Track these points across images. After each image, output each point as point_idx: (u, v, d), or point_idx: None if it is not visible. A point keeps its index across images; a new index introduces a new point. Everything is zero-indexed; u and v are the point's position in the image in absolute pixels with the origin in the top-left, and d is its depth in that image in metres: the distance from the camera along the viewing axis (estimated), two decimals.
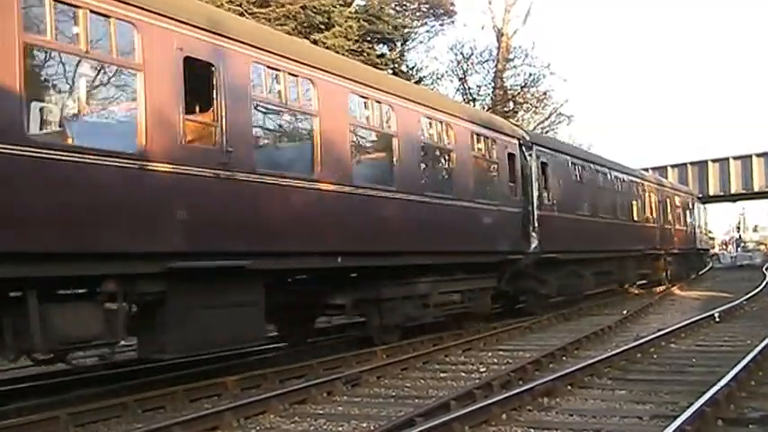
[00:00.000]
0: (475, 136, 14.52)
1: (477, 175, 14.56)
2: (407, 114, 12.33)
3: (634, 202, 25.05)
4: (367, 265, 11.43)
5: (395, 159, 11.97)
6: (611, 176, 22.84)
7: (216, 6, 18.97)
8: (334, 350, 11.99)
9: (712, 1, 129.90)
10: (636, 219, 25.02)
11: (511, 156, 15.93)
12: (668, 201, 30.13)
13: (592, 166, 21.22)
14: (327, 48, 21.94)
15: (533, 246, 16.41)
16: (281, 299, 10.76)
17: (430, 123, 13.14)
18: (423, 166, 12.99)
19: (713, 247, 66.09)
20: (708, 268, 44.06)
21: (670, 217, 30.05)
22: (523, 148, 16.62)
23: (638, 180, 26.12)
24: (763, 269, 39.62)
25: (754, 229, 71.53)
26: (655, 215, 27.64)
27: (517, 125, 20.20)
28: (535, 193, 16.70)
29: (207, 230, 8.31)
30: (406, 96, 12.50)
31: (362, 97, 11.39)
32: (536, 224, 16.51)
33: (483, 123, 15.19)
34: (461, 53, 36.24)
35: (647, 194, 26.76)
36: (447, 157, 13.99)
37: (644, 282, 27.38)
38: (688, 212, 34.41)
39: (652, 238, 26.76)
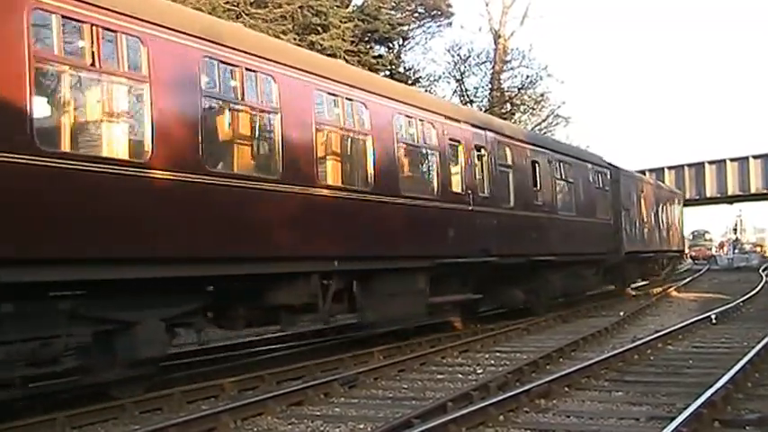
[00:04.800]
0: None
1: None
2: None
3: (433, 165, 13.23)
4: None
5: None
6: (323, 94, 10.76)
7: (213, 8, 19.07)
8: (331, 351, 11.97)
9: (711, 4, 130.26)
10: (420, 194, 12.63)
11: None
12: (536, 168, 17.00)
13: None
14: (324, 49, 21.98)
15: None
16: None
17: None
18: None
19: (709, 249, 66.15)
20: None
21: (543, 198, 17.13)
22: None
23: (440, 117, 13.36)
24: (760, 271, 39.64)
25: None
26: (489, 188, 14.67)
27: None
28: None
29: None
30: None
31: None
32: None
33: None
34: (458, 55, 36.31)
35: (488, 154, 14.71)
36: None
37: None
38: (603, 196, 21.48)
39: (477, 236, 13.90)
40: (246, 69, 9.31)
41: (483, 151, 14.63)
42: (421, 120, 12.85)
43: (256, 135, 10.05)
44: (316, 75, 10.44)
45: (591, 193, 20.39)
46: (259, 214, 9.35)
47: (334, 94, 10.83)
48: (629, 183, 24.65)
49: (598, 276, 21.69)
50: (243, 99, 9.40)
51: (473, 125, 14.49)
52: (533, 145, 17.27)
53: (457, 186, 13.69)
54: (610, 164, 23.04)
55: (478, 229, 13.97)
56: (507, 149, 15.71)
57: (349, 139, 11.41)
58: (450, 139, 13.57)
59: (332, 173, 11.02)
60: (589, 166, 20.79)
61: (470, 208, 13.80)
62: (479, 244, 13.90)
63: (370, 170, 11.39)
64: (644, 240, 25.81)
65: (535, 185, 16.86)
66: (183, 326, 9.33)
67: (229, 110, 9.45)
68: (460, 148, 13.87)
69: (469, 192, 13.85)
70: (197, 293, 9.13)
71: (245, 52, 9.32)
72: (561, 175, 18.44)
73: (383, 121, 11.78)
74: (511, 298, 16.90)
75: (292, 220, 9.82)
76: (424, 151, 13.25)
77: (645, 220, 26.27)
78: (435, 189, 13.07)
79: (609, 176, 21.94)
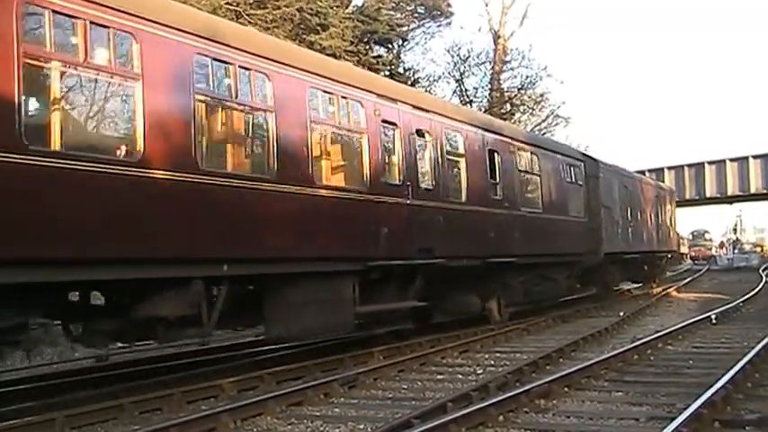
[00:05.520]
0: None
1: None
2: None
3: (361, 150, 11.26)
4: None
5: None
6: None
7: (214, 8, 19.09)
8: (331, 351, 11.96)
9: (711, 4, 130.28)
10: (341, 184, 11.20)
11: None
12: (495, 158, 14.90)
13: None
14: (324, 49, 22.01)
15: None
16: None
17: None
18: None
19: (709, 249, 66.13)
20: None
21: (502, 192, 15.04)
22: None
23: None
24: (760, 271, 39.65)
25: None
26: (434, 179, 12.76)
27: None
28: None
29: None
30: None
31: None
32: None
33: None
34: (458, 55, 36.35)
35: (433, 140, 12.86)
36: None
37: None
38: (577, 191, 19.38)
39: (418, 234, 12.03)
40: (92, 23, 7.34)
41: (427, 137, 12.69)
42: (344, 97, 10.86)
43: (106, 107, 8.16)
44: (197, 36, 8.49)
45: (562, 188, 18.29)
46: (114, 207, 7.43)
47: (223, 61, 8.89)
48: (611, 177, 22.60)
49: (572, 280, 19.64)
50: (87, 61, 7.35)
51: (414, 106, 12.51)
52: (491, 132, 15.05)
53: (392, 176, 11.77)
54: (587, 156, 21.44)
55: (419, 226, 11.97)
56: (458, 136, 13.72)
57: (244, 117, 9.56)
58: (385, 122, 11.62)
59: (219, 156, 9.21)
60: (560, 158, 18.58)
61: (408, 202, 11.82)
62: (420, 243, 11.95)
63: (273, 154, 9.38)
64: (629, 240, 23.75)
65: (493, 178, 14.75)
66: (8, 345, 7.56)
67: (67, 75, 7.47)
68: (397, 133, 11.92)
69: (408, 183, 11.88)
70: (21, 304, 7.20)
71: (91, 1, 7.39)
72: (526, 166, 16.38)
73: (292, 95, 9.83)
74: (465, 305, 14.76)
75: (162, 213, 7.92)
76: (348, 134, 11.25)
77: (630, 218, 24.17)
78: (363, 179, 11.07)
79: (584, 170, 19.89)
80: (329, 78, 10.60)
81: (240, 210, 8.83)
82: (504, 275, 15.39)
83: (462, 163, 13.66)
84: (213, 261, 8.53)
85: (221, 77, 9.04)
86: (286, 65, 9.80)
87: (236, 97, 9.11)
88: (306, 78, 10.12)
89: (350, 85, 11.01)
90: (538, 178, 16.89)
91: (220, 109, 9.16)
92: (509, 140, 15.72)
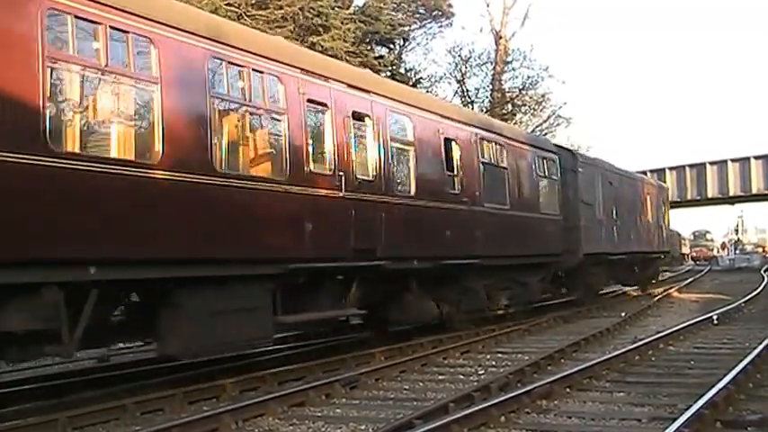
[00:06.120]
0: None
1: None
2: None
3: (279, 134, 9.81)
4: None
5: None
6: None
7: (214, 8, 19.12)
8: (332, 352, 11.97)
9: (711, 4, 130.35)
10: (252, 173, 9.56)
11: None
12: (452, 147, 13.51)
13: None
14: (325, 50, 22.04)
15: None
16: None
17: None
18: None
19: (710, 249, 66.12)
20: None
21: (460, 186, 13.66)
22: None
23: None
24: (762, 272, 39.65)
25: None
26: (374, 169, 11.31)
27: None
28: None
29: None
30: None
31: None
32: None
33: None
34: (459, 56, 36.41)
35: (374, 125, 11.37)
36: None
37: None
38: (550, 186, 17.86)
39: (352, 232, 10.61)
40: None
41: (366, 121, 11.19)
42: (258, 71, 9.29)
43: None
44: None
45: (533, 183, 16.67)
46: None
47: (89, 20, 7.32)
48: (592, 172, 20.62)
49: (546, 283, 18.15)
50: None
51: (350, 86, 10.95)
52: (448, 119, 13.46)
53: (320, 165, 10.26)
54: (563, 148, 20.15)
55: (356, 223, 10.51)
56: (407, 121, 12.21)
57: (119, 89, 7.71)
58: (311, 102, 10.10)
59: (82, 139, 7.48)
60: (531, 149, 16.87)
61: (341, 194, 10.32)
62: (357, 243, 10.50)
63: (158, 135, 7.84)
64: (613, 240, 21.73)
65: (450, 170, 13.29)
66: None
67: None
68: (328, 115, 10.41)
69: (341, 173, 10.35)
70: None
71: None
72: (490, 158, 14.75)
73: (186, 66, 8.30)
74: (419, 311, 12.95)
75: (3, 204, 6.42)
76: (262, 114, 9.59)
77: (615, 216, 22.18)
78: (282, 167, 9.51)
79: (559, 163, 18.30)
80: (238, 48, 9.03)
81: (114, 201, 7.34)
82: (465, 279, 13.95)
83: (411, 152, 12.20)
84: (74, 263, 6.99)
85: (87, 40, 7.44)
86: (177, 29, 8.22)
87: (107, 65, 7.48)
88: (206, 46, 8.56)
89: (266, 58, 9.44)
90: (504, 171, 15.29)
91: (86, 79, 7.46)
92: (469, 129, 14.13)
